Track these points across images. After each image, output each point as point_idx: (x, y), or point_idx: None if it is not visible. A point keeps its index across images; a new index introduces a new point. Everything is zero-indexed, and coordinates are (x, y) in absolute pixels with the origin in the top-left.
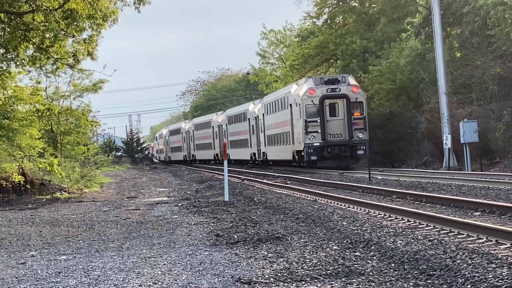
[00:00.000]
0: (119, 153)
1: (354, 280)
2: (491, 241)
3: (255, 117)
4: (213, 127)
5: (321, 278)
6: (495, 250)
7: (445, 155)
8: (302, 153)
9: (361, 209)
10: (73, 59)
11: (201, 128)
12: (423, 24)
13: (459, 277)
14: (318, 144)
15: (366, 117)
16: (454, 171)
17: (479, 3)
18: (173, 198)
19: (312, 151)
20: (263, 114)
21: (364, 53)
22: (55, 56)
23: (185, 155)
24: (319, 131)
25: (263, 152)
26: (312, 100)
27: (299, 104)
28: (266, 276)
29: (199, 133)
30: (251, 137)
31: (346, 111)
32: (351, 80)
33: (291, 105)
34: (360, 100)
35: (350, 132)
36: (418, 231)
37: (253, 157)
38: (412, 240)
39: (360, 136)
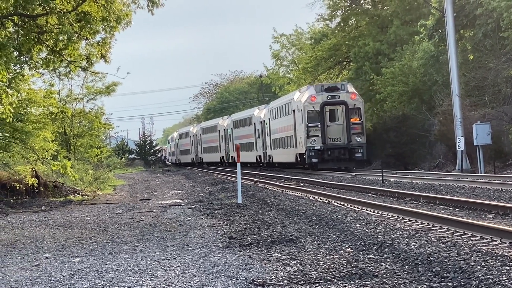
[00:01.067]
0: (132, 156)
1: (368, 282)
2: (505, 243)
3: (261, 122)
4: (219, 131)
5: (335, 280)
6: (509, 252)
7: (458, 158)
8: (304, 156)
9: (374, 211)
10: (87, 62)
11: (208, 132)
12: (436, 26)
13: (473, 279)
14: (318, 147)
15: (363, 122)
16: (467, 174)
17: (492, 6)
18: (186, 201)
19: (313, 154)
20: (269, 119)
21: (377, 56)
22: (69, 59)
23: (193, 158)
24: (320, 135)
25: (269, 155)
26: (313, 106)
27: (301, 110)
28: (280, 278)
29: (206, 136)
30: (257, 141)
31: (345, 117)
32: (350, 88)
33: (294, 111)
34: (358, 107)
35: (348, 136)
36: (431, 233)
37: (259, 160)
38: (426, 242)
39: (358, 140)
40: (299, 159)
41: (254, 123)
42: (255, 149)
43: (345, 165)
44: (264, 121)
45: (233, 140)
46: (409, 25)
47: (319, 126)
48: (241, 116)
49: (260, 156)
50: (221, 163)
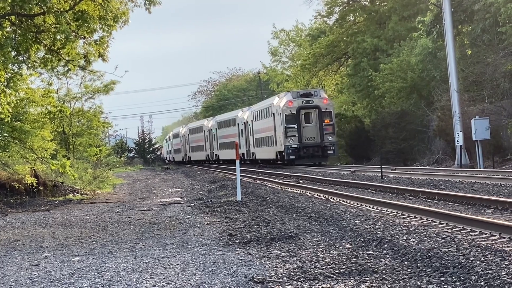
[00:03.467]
0: (131, 154)
1: (367, 278)
2: (504, 238)
3: (244, 123)
4: (204, 131)
5: (334, 276)
6: (508, 247)
7: (457, 153)
8: (283, 153)
9: (373, 208)
10: (84, 61)
11: (195, 132)
12: (434, 22)
13: (472, 274)
14: (295, 146)
15: (334, 123)
16: (466, 169)
17: (489, 1)
18: (185, 199)
19: (291, 151)
20: (251, 120)
21: (375, 52)
22: (66, 58)
23: (183, 156)
24: (296, 135)
25: (252, 152)
26: (290, 110)
27: (280, 113)
28: (280, 275)
29: (193, 136)
30: (240, 140)
31: (318, 119)
32: (322, 94)
33: (274, 114)
34: (330, 110)
35: (321, 136)
36: (431, 228)
37: (242, 157)
38: (425, 238)
39: (330, 139)
40: (278, 156)
41: (238, 124)
42: (239, 148)
43: (318, 161)
44: (247, 122)
45: (217, 139)
46: (407, 21)
47: (296, 127)
48: (226, 117)
49: (243, 154)
50: (207, 161)
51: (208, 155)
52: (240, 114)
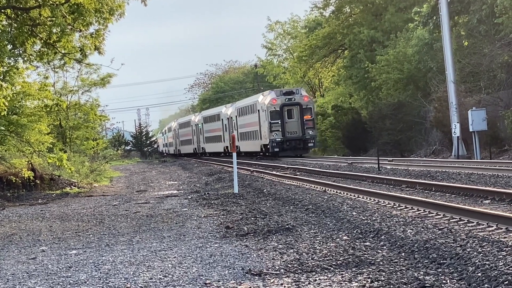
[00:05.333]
0: (128, 147)
1: (365, 269)
2: (501, 229)
3: (228, 118)
4: (192, 125)
5: (332, 268)
6: (505, 238)
7: (454, 144)
8: (268, 146)
9: (370, 199)
10: (81, 54)
11: (184, 127)
12: (430, 13)
13: (469, 265)
14: (279, 139)
15: (314, 119)
16: (463, 160)
17: None
18: (182, 191)
19: (275, 144)
20: (236, 116)
21: (372, 43)
22: (63, 51)
23: (174, 149)
24: (280, 129)
25: (236, 146)
26: (274, 107)
27: (265, 110)
28: (277, 267)
29: (182, 131)
30: (224, 134)
31: (300, 115)
32: (303, 92)
33: (258, 110)
34: (310, 107)
35: (303, 130)
36: (428, 220)
37: (225, 150)
38: (422, 229)
39: (310, 133)
40: (263, 149)
41: (222, 119)
42: (222, 141)
43: (300, 153)
44: (231, 117)
45: (203, 133)
46: (403, 12)
47: (279, 122)
48: (211, 113)
49: (227, 147)
50: (194, 154)
51: (195, 148)
52: (224, 110)
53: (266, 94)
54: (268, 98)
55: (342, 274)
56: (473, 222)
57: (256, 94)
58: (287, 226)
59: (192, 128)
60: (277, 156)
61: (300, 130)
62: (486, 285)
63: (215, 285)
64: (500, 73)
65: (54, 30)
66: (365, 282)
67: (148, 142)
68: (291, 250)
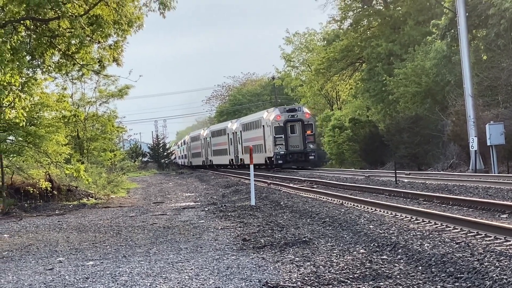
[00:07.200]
0: (145, 159)
1: (382, 283)
2: None
3: (233, 133)
4: (201, 139)
5: (348, 281)
6: None
7: (472, 158)
8: (272, 159)
9: (387, 212)
10: (99, 65)
11: (194, 141)
12: (448, 26)
13: (486, 280)
14: (283, 152)
15: (315, 134)
16: (481, 174)
17: (504, 6)
18: (199, 203)
19: (279, 157)
20: (240, 131)
21: (389, 56)
22: (81, 63)
23: (187, 161)
24: (284, 143)
25: (241, 158)
26: (278, 123)
27: (270, 125)
28: (293, 280)
29: (193, 144)
30: (229, 147)
31: (301, 130)
32: (305, 109)
33: (263, 126)
34: (311, 123)
35: (304, 144)
36: (445, 233)
37: (231, 162)
38: (439, 243)
39: (311, 147)
40: (267, 161)
41: (228, 134)
42: (228, 154)
43: (302, 165)
44: (236, 132)
45: (211, 147)
46: (421, 26)
47: (283, 137)
48: (218, 127)
49: (232, 159)
50: (203, 166)
51: (203, 160)
52: (229, 125)
53: (271, 111)
54: (273, 115)
55: (359, 287)
56: (490, 236)
57: (261, 111)
58: (304, 239)
59: (201, 142)
60: (281, 168)
61: (302, 144)
62: None
63: None
64: None
65: (73, 42)
66: None
67: (165, 153)
68: (308, 263)
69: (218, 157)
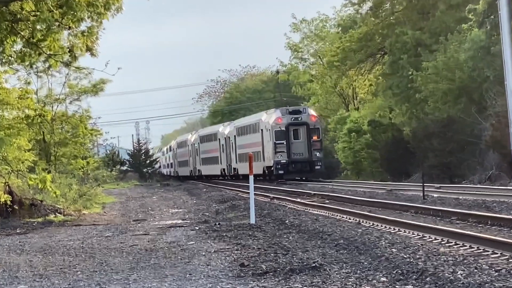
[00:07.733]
0: (124, 168)
1: None
2: None
3: (225, 138)
4: (188, 145)
5: None
6: None
7: None
8: (272, 168)
9: (413, 233)
10: (69, 56)
11: (181, 147)
12: (487, 11)
13: None
14: (284, 161)
15: (322, 140)
16: None
17: None
18: (189, 221)
19: (280, 166)
20: (234, 136)
21: (417, 47)
22: (48, 52)
23: (173, 171)
24: (285, 151)
25: (234, 168)
26: (279, 127)
27: (269, 129)
28: None
29: (180, 151)
30: (221, 155)
31: (306, 135)
32: (311, 111)
33: (262, 130)
34: (317, 127)
35: (310, 151)
36: (482, 259)
37: (223, 172)
38: (475, 270)
39: (317, 155)
40: (266, 171)
41: (219, 139)
42: (219, 163)
43: (306, 176)
44: (229, 137)
45: (199, 154)
46: (455, 11)
47: (285, 143)
48: (207, 132)
49: (224, 169)
50: (191, 177)
51: (191, 170)
52: (221, 129)
53: (271, 112)
54: (273, 117)
55: None
56: None
57: (259, 113)
58: (314, 265)
59: (189, 148)
60: (282, 179)
61: (306, 151)
62: None
63: None
64: None
65: (39, 27)
66: None
67: (148, 161)
68: None
69: (207, 167)
